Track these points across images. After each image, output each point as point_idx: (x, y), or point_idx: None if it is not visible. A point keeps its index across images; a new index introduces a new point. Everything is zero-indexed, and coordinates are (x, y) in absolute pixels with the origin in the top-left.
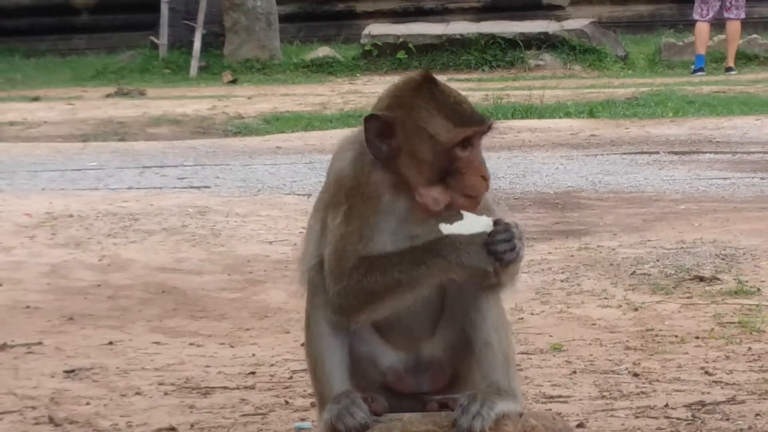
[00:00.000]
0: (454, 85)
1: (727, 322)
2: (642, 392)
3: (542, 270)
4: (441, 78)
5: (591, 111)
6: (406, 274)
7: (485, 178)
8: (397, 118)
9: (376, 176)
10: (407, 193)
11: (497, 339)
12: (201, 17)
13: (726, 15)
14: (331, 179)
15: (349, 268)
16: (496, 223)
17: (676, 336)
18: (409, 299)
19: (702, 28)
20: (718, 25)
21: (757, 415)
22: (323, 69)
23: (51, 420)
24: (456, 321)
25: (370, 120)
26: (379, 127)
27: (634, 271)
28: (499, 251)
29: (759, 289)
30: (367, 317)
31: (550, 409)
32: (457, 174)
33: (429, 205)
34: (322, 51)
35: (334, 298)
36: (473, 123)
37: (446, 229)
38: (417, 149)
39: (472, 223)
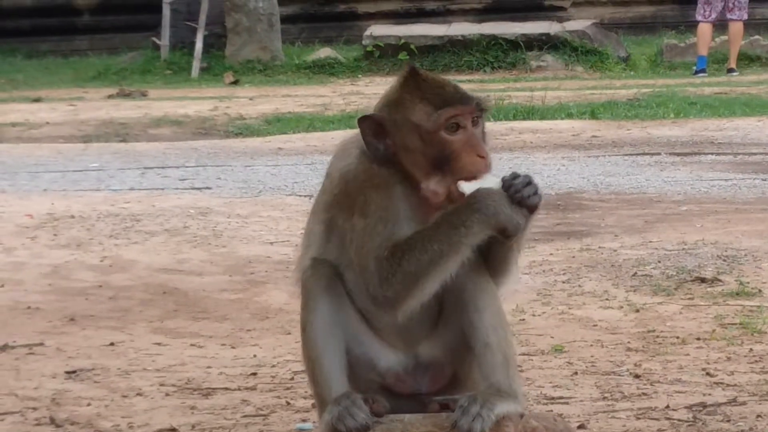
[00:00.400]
0: None
1: (728, 324)
2: (643, 393)
3: (543, 271)
4: None
5: (592, 112)
6: (446, 243)
7: (482, 156)
8: (387, 115)
9: (384, 170)
10: (415, 188)
11: (496, 340)
12: (203, 18)
13: (729, 16)
14: (334, 179)
15: (385, 257)
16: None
17: (678, 337)
18: (454, 268)
19: (704, 29)
20: (720, 26)
21: (758, 416)
22: (325, 70)
23: (52, 421)
24: (455, 322)
25: (363, 121)
26: (373, 127)
27: (636, 273)
28: (524, 196)
29: (760, 291)
30: (417, 301)
31: (552, 411)
32: (453, 159)
33: (431, 198)
34: (324, 52)
35: (376, 292)
36: (454, 102)
37: (467, 188)
38: (409, 142)
39: (488, 182)
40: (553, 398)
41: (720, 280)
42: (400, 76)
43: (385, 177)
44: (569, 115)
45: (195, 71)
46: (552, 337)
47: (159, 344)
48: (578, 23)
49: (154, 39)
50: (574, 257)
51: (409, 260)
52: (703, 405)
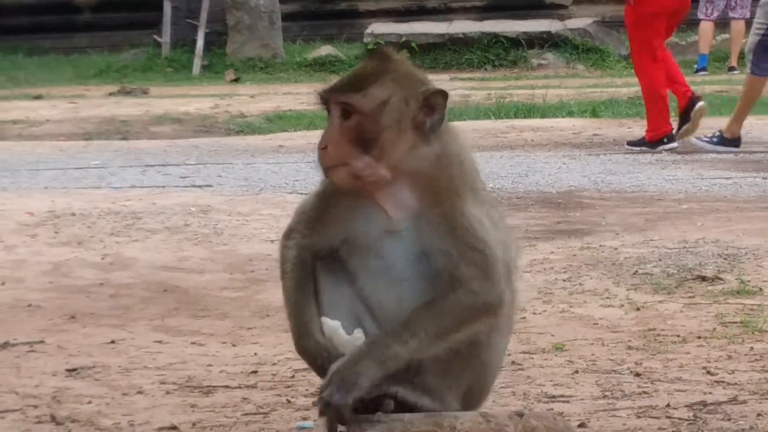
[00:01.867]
0: (456, 85)
1: (729, 322)
2: (644, 392)
3: (544, 269)
4: (444, 77)
5: (594, 110)
6: (291, 315)
7: (320, 147)
8: None
9: None
10: None
11: None
12: (204, 16)
13: (731, 14)
14: None
15: (288, 246)
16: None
17: (678, 336)
18: None
19: (706, 27)
20: (721, 24)
21: (758, 415)
22: (326, 68)
23: (53, 419)
24: None
25: None
26: None
27: (637, 271)
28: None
29: (761, 289)
30: None
31: (552, 409)
32: None
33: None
34: (325, 50)
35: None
36: (323, 89)
37: (328, 328)
38: None
39: (346, 341)
40: (553, 396)
41: (721, 279)
42: None
43: None
44: (570, 114)
45: (196, 69)
46: (553, 336)
47: (160, 342)
48: (579, 21)
49: (155, 36)
50: (574, 255)
51: (286, 272)
52: (704, 403)
